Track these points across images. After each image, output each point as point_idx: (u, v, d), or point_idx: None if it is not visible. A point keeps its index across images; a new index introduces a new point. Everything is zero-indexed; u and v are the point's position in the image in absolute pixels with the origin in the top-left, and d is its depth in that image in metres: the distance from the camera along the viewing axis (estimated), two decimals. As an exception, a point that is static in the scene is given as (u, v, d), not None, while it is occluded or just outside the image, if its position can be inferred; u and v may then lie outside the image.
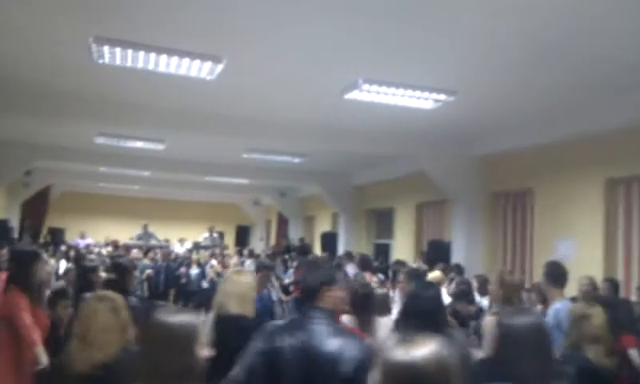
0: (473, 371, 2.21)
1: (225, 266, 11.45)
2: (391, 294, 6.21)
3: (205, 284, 11.15)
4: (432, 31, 4.88)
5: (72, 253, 11.27)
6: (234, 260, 11.75)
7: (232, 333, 3.58)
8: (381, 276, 8.30)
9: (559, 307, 4.48)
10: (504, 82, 6.29)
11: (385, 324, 4.90)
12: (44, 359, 4.15)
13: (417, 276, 5.71)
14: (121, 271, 5.48)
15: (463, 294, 5.88)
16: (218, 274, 11.32)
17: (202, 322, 2.12)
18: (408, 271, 5.53)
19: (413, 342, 1.56)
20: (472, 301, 5.93)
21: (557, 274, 4.85)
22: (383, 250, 13.10)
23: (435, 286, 3.83)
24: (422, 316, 3.12)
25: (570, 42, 4.97)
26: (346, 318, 5.54)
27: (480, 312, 5.83)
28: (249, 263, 12.06)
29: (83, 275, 5.88)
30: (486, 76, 6.10)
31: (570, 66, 5.62)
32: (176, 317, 2.01)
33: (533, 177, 8.39)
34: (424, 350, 1.53)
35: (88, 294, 5.19)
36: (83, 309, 2.99)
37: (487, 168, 9.39)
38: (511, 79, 6.16)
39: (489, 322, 3.42)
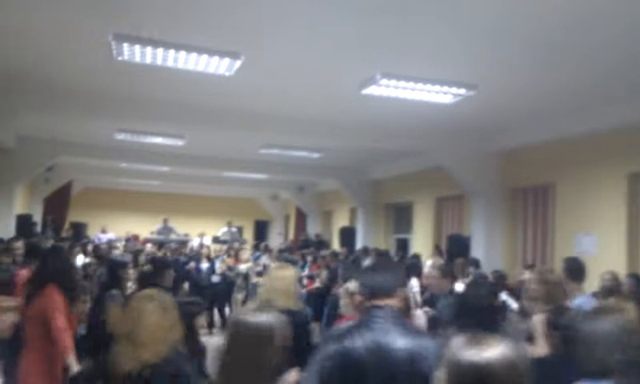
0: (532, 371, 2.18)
1: (238, 260, 11.48)
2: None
3: (215, 278, 11.15)
4: (451, 25, 4.83)
5: (89, 247, 11.33)
6: (246, 255, 11.77)
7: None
8: None
9: (582, 302, 4.45)
10: (525, 76, 6.20)
11: (418, 316, 4.98)
12: (75, 367, 4.07)
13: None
14: (159, 267, 5.43)
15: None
16: (230, 268, 11.36)
17: (280, 321, 2.23)
18: (441, 266, 5.47)
19: (481, 342, 1.52)
20: (495, 295, 5.85)
21: (576, 269, 4.82)
22: (402, 245, 13.07)
23: (487, 282, 3.87)
24: (477, 313, 3.13)
25: (591, 34, 4.89)
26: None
27: (503, 306, 5.79)
28: (264, 258, 12.10)
29: (111, 271, 5.63)
30: (506, 70, 6.02)
31: (592, 59, 5.52)
32: (258, 316, 2.19)
33: (554, 171, 8.28)
34: (496, 351, 1.49)
35: (114, 291, 5.16)
36: (132, 308, 2.90)
37: (507, 162, 9.29)
38: (532, 73, 6.07)
39: (539, 320, 3.40)
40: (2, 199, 11.69)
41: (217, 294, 11.03)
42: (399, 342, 2.42)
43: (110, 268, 5.73)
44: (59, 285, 4.36)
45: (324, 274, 9.49)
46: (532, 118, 7.99)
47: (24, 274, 5.59)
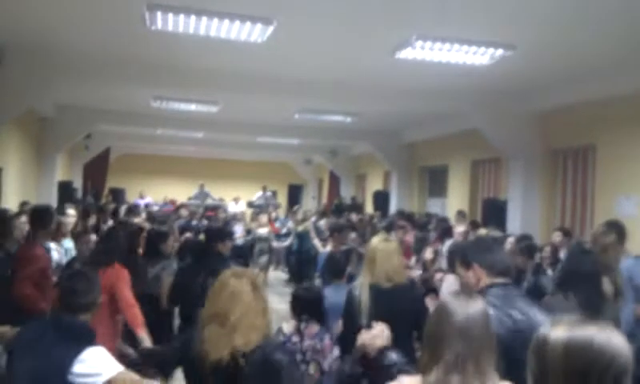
0: None
1: (261, 223, 11.46)
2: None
3: (238, 241, 11.20)
4: (489, -16, 4.68)
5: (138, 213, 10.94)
6: (265, 218, 11.77)
7: (398, 303, 3.46)
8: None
9: (630, 264, 4.48)
10: (564, 35, 5.97)
11: (450, 281, 5.05)
12: (148, 342, 3.91)
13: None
14: (212, 236, 5.15)
15: (527, 249, 5.75)
16: (248, 231, 11.41)
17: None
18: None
19: (584, 322, 1.46)
20: (532, 256, 5.80)
21: (622, 232, 4.75)
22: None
23: (591, 250, 3.87)
24: (582, 280, 3.14)
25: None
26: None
27: (539, 268, 5.74)
28: (290, 223, 12.23)
29: (152, 242, 5.21)
30: (545, 28, 5.80)
31: (635, 16, 5.28)
32: (471, 306, 1.94)
33: (594, 132, 8.03)
34: (612, 334, 1.43)
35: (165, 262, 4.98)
36: (221, 287, 2.55)
37: (545, 124, 9.06)
38: (572, 31, 5.84)
39: None
40: (44, 167, 12.06)
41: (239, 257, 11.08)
42: (539, 317, 2.44)
43: (149, 239, 5.30)
44: (123, 264, 4.21)
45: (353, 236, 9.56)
46: (571, 78, 7.73)
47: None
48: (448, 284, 5.12)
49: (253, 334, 2.43)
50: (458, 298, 1.99)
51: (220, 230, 5.51)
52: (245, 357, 2.38)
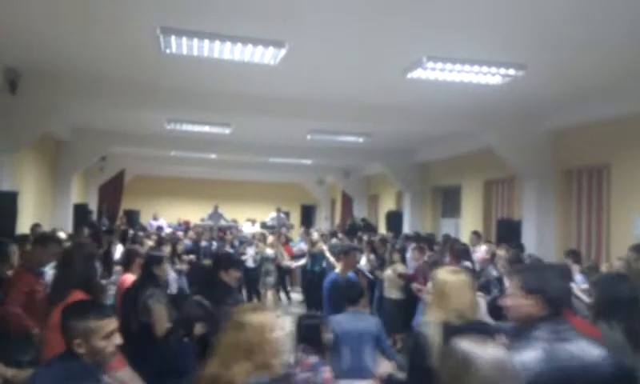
0: None
1: (267, 243, 11.46)
2: None
3: (249, 263, 11.24)
4: (497, 3, 4.68)
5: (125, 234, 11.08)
6: (270, 239, 11.74)
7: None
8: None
9: None
10: (576, 54, 5.96)
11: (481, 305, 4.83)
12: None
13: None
14: (216, 263, 4.90)
15: None
16: (257, 253, 11.39)
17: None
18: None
19: None
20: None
21: None
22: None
23: (625, 275, 3.81)
24: (624, 307, 3.09)
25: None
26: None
27: None
28: (303, 244, 12.20)
29: (146, 267, 4.87)
30: (556, 48, 5.79)
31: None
32: (494, 353, 1.78)
33: (609, 151, 7.96)
34: None
35: (151, 290, 4.44)
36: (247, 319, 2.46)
37: (559, 143, 9.00)
38: (583, 51, 5.83)
39: None
40: (60, 189, 12.20)
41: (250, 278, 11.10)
42: (593, 351, 2.27)
43: (144, 264, 4.94)
44: (85, 290, 3.73)
45: (372, 258, 9.52)
46: (585, 97, 7.69)
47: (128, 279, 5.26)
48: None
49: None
50: (479, 345, 1.81)
51: (226, 258, 5.11)
52: None
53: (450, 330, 2.92)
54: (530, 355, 2.20)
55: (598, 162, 8.33)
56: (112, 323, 2.56)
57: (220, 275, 4.62)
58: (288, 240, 13.58)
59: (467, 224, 11.85)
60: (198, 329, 4.10)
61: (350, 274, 6.21)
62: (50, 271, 5.23)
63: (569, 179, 9.00)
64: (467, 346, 1.80)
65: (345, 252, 6.54)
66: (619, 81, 6.87)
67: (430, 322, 3.12)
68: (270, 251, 11.12)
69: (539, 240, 8.69)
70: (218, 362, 2.36)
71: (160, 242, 9.61)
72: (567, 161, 8.90)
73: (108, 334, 2.50)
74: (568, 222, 8.95)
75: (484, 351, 1.76)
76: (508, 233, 9.25)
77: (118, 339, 2.54)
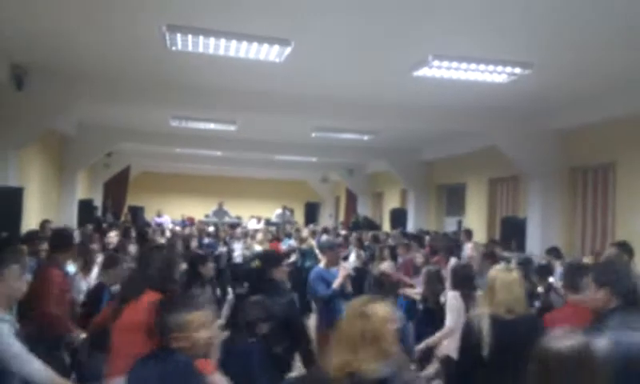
0: None
1: (257, 240, 11.44)
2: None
3: (238, 260, 11.14)
4: (505, 1, 4.68)
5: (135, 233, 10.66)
6: (259, 236, 11.72)
7: (520, 335, 3.24)
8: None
9: None
10: (582, 54, 5.94)
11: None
12: None
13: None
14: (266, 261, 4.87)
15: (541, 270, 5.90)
16: (247, 249, 11.37)
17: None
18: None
19: None
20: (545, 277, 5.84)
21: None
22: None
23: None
24: None
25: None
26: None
27: (550, 287, 5.70)
28: (291, 241, 12.21)
29: (192, 266, 4.99)
30: (562, 47, 5.78)
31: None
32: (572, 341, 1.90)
33: (614, 151, 7.94)
34: None
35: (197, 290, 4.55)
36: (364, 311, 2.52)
37: (565, 142, 8.97)
38: (589, 50, 5.81)
39: None
40: (65, 185, 12.24)
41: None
42: None
43: (190, 264, 5.10)
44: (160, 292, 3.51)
45: (361, 254, 9.59)
46: (591, 96, 7.67)
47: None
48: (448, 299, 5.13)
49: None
50: (576, 339, 1.93)
51: (274, 256, 5.18)
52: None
53: (496, 323, 3.32)
54: (602, 344, 2.30)
55: (603, 161, 8.31)
56: (204, 315, 2.67)
57: (271, 273, 4.69)
58: (281, 238, 13.44)
59: (472, 222, 11.84)
60: (262, 328, 4.10)
61: (334, 269, 6.11)
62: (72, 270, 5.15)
63: (574, 178, 8.98)
64: (572, 341, 1.90)
65: (329, 247, 6.54)
66: (625, 80, 6.85)
67: (479, 314, 3.43)
68: (258, 248, 11.13)
69: (544, 238, 8.67)
70: (346, 349, 2.47)
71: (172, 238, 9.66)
72: (572, 159, 8.88)
73: (200, 325, 2.62)
74: (573, 221, 8.93)
75: (592, 344, 1.90)
76: (512, 231, 9.24)
77: (212, 330, 2.69)
